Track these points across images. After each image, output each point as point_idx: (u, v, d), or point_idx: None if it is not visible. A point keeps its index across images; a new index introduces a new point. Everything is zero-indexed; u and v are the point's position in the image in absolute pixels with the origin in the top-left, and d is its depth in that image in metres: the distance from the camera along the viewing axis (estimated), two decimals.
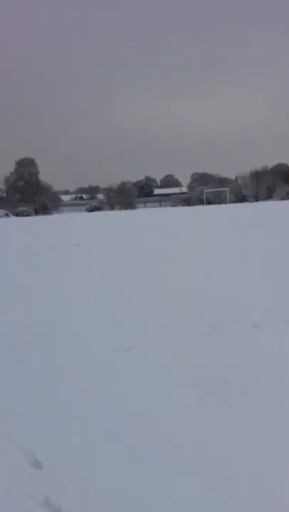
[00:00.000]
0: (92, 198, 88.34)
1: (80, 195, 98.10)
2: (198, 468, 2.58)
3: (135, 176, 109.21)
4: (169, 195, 79.20)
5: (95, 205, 70.58)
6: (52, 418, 3.25)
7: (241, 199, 65.47)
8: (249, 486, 2.38)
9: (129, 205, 69.12)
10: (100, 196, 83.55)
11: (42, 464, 2.74)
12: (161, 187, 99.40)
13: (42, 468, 2.71)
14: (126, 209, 66.34)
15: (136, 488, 2.44)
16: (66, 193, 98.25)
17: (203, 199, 65.93)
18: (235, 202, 63.59)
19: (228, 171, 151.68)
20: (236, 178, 73.79)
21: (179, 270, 8.97)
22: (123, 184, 74.02)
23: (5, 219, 51.53)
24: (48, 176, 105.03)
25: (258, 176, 68.68)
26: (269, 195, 63.95)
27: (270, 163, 79.78)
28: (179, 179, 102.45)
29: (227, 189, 66.34)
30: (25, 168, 69.48)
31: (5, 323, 5.90)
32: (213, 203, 63.14)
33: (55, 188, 75.50)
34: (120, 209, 67.11)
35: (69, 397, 3.57)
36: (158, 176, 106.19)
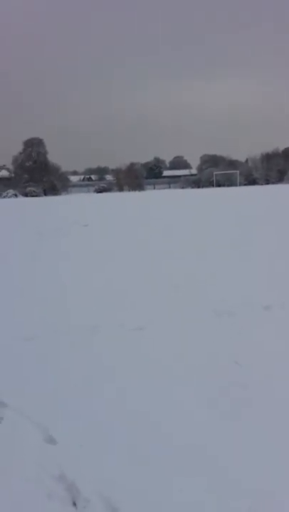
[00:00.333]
0: (101, 178, 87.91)
1: (88, 176, 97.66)
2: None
3: (144, 158, 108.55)
4: (179, 176, 78.61)
5: (103, 186, 70.32)
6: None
7: (252, 182, 64.89)
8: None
9: (138, 186, 68.78)
10: (109, 177, 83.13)
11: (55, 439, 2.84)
12: (170, 169, 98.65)
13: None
14: (135, 190, 66.06)
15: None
16: (75, 173, 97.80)
17: (212, 181, 65.42)
18: (245, 185, 63.05)
19: (239, 153, 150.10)
20: (247, 161, 73.06)
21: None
22: (132, 165, 73.56)
23: (14, 199, 51.55)
24: (57, 156, 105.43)
25: (268, 158, 67.88)
26: (280, 179, 63.34)
27: (281, 146, 78.72)
28: (189, 161, 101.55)
29: (237, 171, 65.68)
30: (34, 148, 69.08)
31: (15, 310, 5.96)
32: (223, 186, 62.66)
33: (64, 168, 75.13)
34: (129, 190, 66.86)
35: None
36: (167, 158, 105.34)
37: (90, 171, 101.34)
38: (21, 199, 52.06)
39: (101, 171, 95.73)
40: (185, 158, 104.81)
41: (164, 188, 72.09)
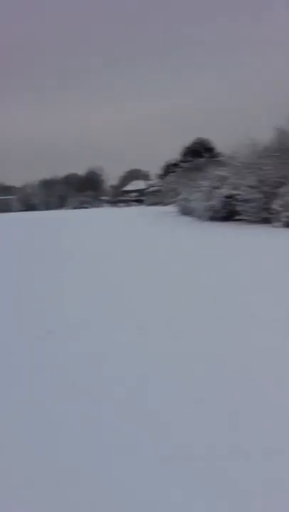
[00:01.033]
0: None
1: None
2: None
3: None
4: None
5: None
6: None
7: (31, 207, 62.64)
8: None
9: None
10: None
11: None
12: None
13: None
14: None
15: None
16: None
17: None
18: (23, 210, 60.53)
19: (16, 180, 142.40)
20: (25, 187, 70.86)
21: None
22: None
23: None
24: None
25: (48, 185, 67.48)
26: (62, 204, 62.80)
27: (60, 173, 78.24)
28: None
29: (14, 197, 63.34)
30: None
31: None
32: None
33: None
34: None
35: None
36: None
37: None
38: None
39: None
40: None
41: None
